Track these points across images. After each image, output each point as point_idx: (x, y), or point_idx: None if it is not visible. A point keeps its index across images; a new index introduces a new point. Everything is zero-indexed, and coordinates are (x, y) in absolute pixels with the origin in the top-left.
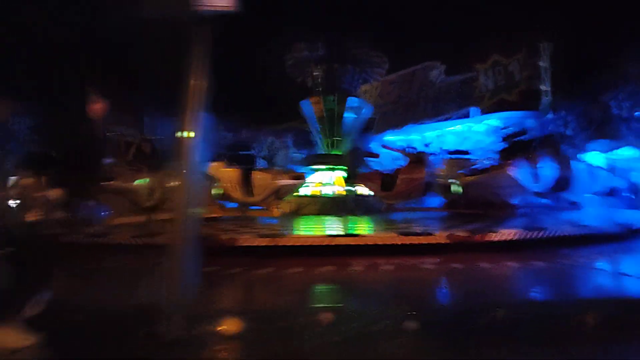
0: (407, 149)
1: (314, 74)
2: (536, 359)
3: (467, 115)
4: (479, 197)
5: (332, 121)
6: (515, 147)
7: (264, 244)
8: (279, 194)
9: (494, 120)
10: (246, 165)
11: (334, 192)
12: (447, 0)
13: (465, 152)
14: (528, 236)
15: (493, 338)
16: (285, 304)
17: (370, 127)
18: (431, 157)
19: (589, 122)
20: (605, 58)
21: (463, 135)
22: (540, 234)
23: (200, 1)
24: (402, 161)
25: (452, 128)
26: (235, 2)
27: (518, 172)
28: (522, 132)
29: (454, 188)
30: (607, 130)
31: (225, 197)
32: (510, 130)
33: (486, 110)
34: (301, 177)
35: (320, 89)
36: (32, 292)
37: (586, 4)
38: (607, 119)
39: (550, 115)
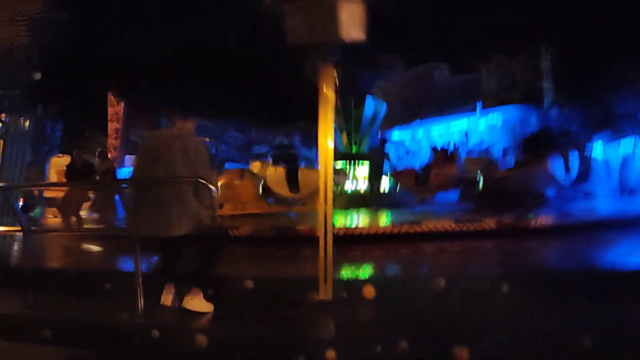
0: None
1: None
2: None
3: (472, 112)
4: (515, 190)
5: (349, 121)
6: (530, 143)
7: (342, 233)
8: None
9: (499, 117)
10: (290, 163)
11: (358, 187)
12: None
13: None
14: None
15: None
16: (402, 275)
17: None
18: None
19: (592, 119)
20: (606, 58)
21: (469, 131)
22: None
23: (341, 33)
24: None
25: (457, 124)
26: (365, 34)
27: (553, 165)
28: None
29: (481, 182)
30: (609, 126)
31: (270, 194)
32: (517, 126)
33: (491, 108)
34: (344, 173)
35: (338, 92)
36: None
37: (586, 6)
38: (609, 116)
39: (555, 112)
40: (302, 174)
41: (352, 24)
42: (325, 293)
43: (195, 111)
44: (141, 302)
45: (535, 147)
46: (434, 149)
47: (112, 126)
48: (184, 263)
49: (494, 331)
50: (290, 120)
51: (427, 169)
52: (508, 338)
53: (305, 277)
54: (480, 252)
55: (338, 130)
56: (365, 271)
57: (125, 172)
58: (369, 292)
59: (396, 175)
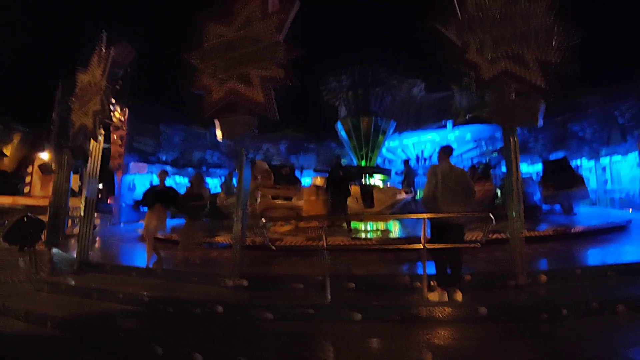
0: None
1: (344, 98)
2: None
3: (444, 127)
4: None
5: (359, 139)
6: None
7: None
8: (393, 206)
9: (467, 132)
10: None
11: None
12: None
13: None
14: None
15: None
16: None
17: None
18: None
19: (549, 137)
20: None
21: (439, 143)
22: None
23: None
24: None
25: (429, 137)
26: None
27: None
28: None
29: (499, 196)
30: (564, 144)
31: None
32: (482, 142)
33: (461, 124)
34: (409, 192)
35: (349, 111)
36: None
37: None
38: (565, 135)
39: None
40: (377, 191)
41: None
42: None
43: None
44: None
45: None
46: (472, 167)
47: (117, 133)
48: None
49: None
50: None
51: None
52: None
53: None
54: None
55: (351, 148)
56: None
57: (129, 179)
58: None
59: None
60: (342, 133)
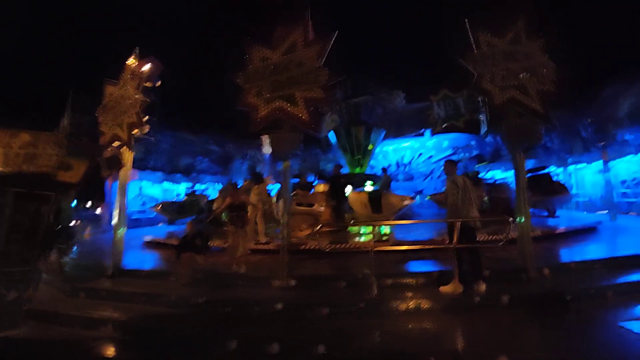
0: None
1: (337, 109)
2: None
3: (422, 135)
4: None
5: (352, 147)
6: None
7: None
8: (399, 211)
9: (445, 140)
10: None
11: None
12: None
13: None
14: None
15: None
16: None
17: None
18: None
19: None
20: None
21: (418, 150)
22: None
23: None
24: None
25: (407, 144)
26: None
27: None
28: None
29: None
30: (535, 152)
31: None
32: (459, 149)
33: (438, 132)
34: (414, 198)
35: (342, 121)
36: None
37: None
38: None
39: (489, 139)
40: (385, 198)
41: None
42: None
43: None
44: None
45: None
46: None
47: None
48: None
49: None
50: None
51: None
52: None
53: None
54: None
55: (342, 155)
56: None
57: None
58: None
59: (435, 196)
60: (334, 141)
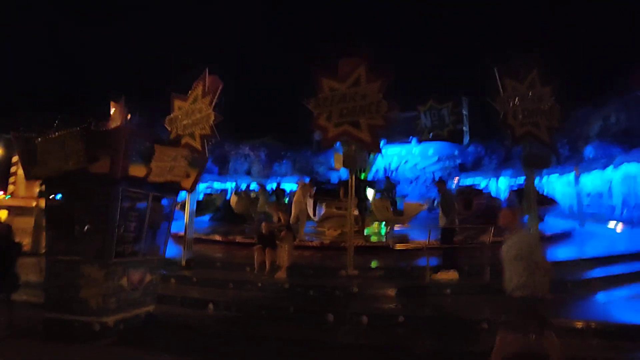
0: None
1: None
2: None
3: (409, 142)
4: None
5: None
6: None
7: None
8: (416, 215)
9: (430, 148)
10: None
11: None
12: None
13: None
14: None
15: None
16: None
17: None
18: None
19: (499, 158)
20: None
21: (405, 157)
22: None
23: None
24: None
25: (395, 151)
26: None
27: None
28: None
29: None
30: (511, 163)
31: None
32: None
33: (424, 140)
34: (425, 204)
35: None
36: None
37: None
38: (509, 155)
39: (471, 149)
40: (406, 204)
41: None
42: None
43: None
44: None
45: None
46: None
47: None
48: None
49: None
50: None
51: (469, 199)
52: None
53: None
54: None
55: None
56: None
57: None
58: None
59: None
60: (340, 150)
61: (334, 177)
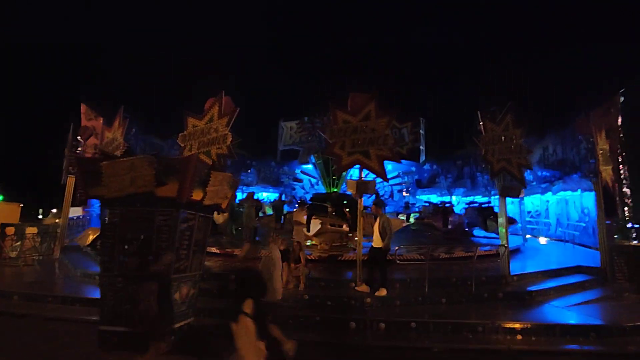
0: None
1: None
2: None
3: None
4: (461, 229)
5: (328, 169)
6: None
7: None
8: (398, 230)
9: (389, 164)
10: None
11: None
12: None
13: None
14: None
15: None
16: None
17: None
18: None
19: (451, 174)
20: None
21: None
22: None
23: None
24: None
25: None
26: None
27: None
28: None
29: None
30: (462, 182)
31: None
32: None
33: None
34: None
35: (319, 146)
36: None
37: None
38: (461, 174)
39: (426, 167)
40: (394, 221)
41: None
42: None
43: None
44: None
45: None
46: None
47: (90, 141)
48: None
49: None
50: None
51: (446, 217)
52: None
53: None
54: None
55: (321, 178)
56: None
57: None
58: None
59: (429, 217)
60: (312, 165)
61: (298, 190)
